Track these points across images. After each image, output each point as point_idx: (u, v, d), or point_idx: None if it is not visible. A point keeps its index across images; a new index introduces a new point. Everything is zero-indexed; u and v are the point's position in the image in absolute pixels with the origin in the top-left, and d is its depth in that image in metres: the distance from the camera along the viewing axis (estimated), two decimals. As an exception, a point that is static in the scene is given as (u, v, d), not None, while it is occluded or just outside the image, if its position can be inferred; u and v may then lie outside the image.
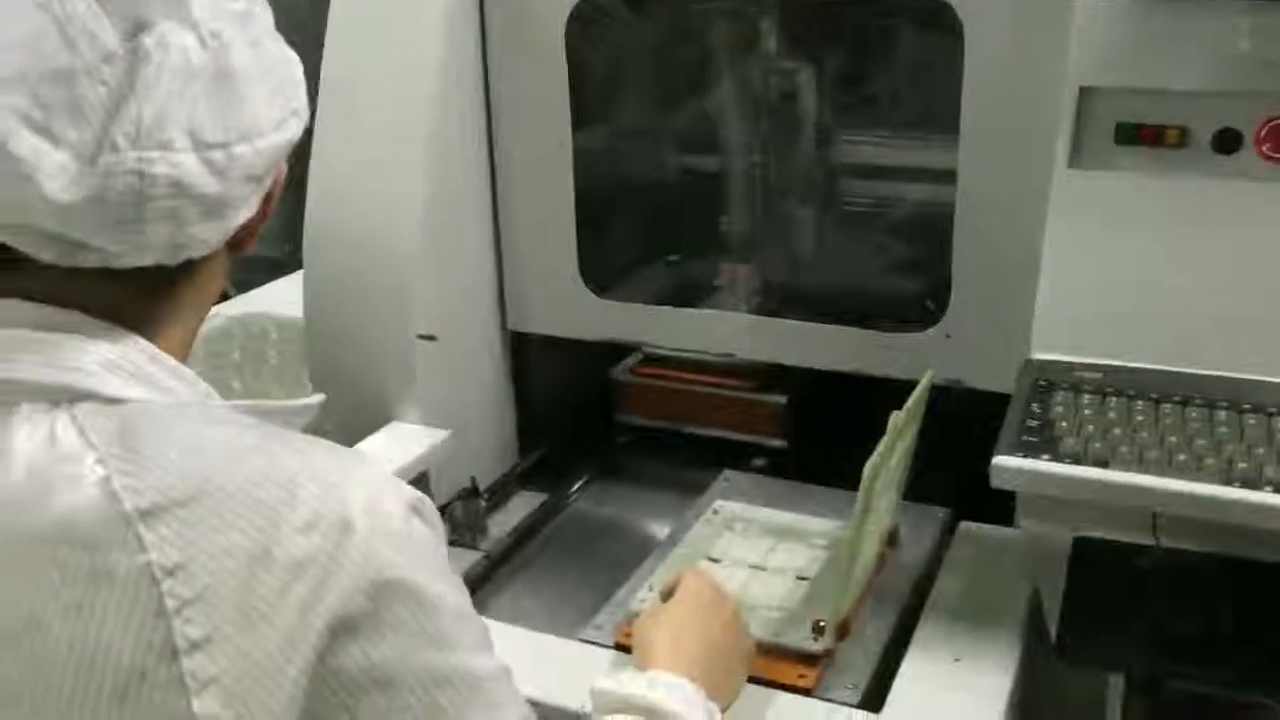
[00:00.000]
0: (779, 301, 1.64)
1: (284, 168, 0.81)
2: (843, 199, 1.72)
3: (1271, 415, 1.05)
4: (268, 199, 0.80)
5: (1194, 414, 1.07)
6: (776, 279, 1.69)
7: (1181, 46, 1.15)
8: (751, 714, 1.04)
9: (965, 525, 1.34)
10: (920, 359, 1.36)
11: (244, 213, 0.76)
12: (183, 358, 0.77)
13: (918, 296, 1.51)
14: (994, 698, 1.04)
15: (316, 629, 0.66)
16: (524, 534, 1.55)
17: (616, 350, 1.73)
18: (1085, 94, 1.19)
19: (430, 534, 0.74)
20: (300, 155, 1.51)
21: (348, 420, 1.50)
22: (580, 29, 1.50)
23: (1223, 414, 1.06)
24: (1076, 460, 1.03)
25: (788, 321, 1.53)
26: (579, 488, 1.66)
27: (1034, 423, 1.08)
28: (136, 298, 0.75)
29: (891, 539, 1.30)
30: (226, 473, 0.68)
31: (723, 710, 0.96)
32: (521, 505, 1.63)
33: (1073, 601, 1.11)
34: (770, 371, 1.61)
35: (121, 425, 0.69)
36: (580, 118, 1.54)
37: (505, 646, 1.19)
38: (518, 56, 1.52)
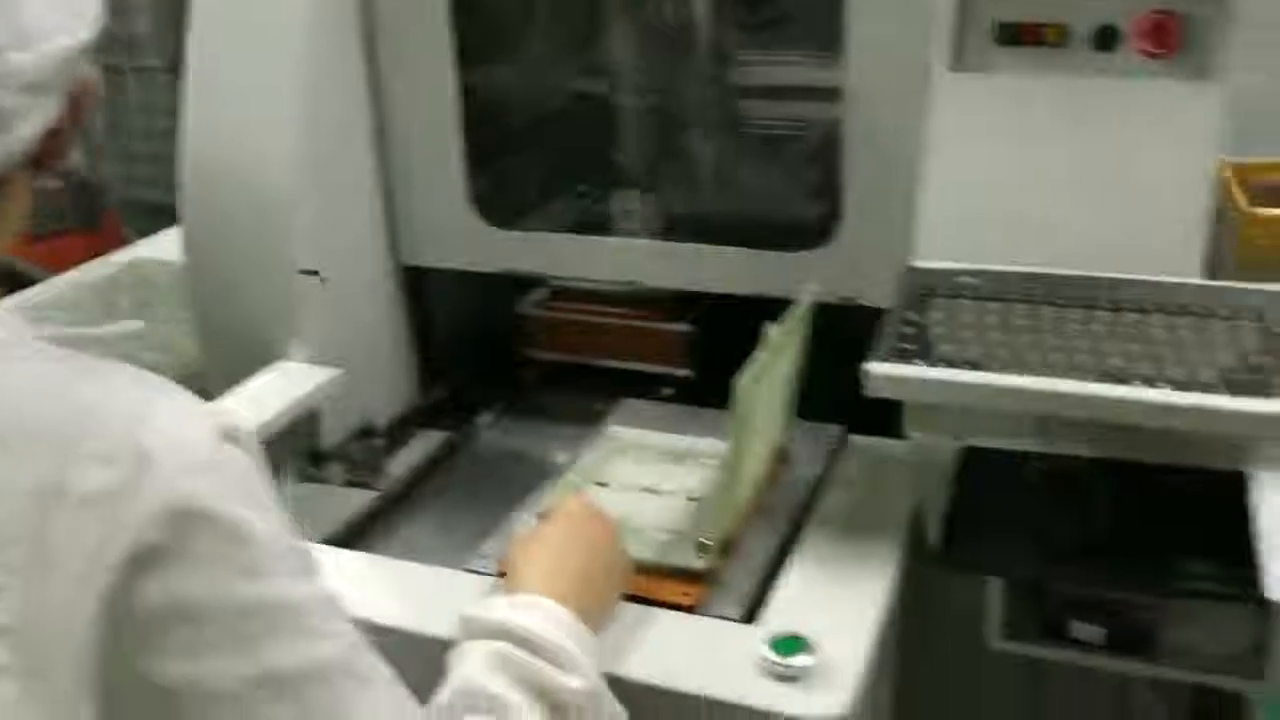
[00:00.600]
0: (678, 226, 1.61)
1: (91, 77, 0.76)
2: (737, 120, 1.68)
3: (1147, 313, 1.04)
4: (76, 109, 0.76)
5: (1073, 315, 1.05)
6: (675, 204, 1.65)
7: (1058, -59, 1.13)
8: (634, 632, 1.02)
9: (854, 439, 1.32)
10: (817, 278, 1.34)
11: (30, 124, 0.71)
12: None
13: (814, 216, 1.48)
14: (869, 604, 1.03)
15: (111, 565, 0.62)
16: (422, 472, 1.51)
17: (525, 284, 1.69)
18: (963, -7, 1.17)
19: (245, 460, 0.70)
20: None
21: (233, 363, 1.46)
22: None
23: (1100, 314, 1.05)
24: (950, 364, 1.02)
25: (686, 246, 1.50)
26: (483, 425, 1.63)
27: (909, 330, 1.06)
28: None
29: (782, 457, 1.28)
30: (20, 409, 0.64)
31: (598, 630, 0.94)
32: (423, 445, 1.60)
33: (955, 508, 1.10)
34: (675, 301, 1.58)
35: None
36: (465, 41, 1.49)
37: (388, 580, 1.17)
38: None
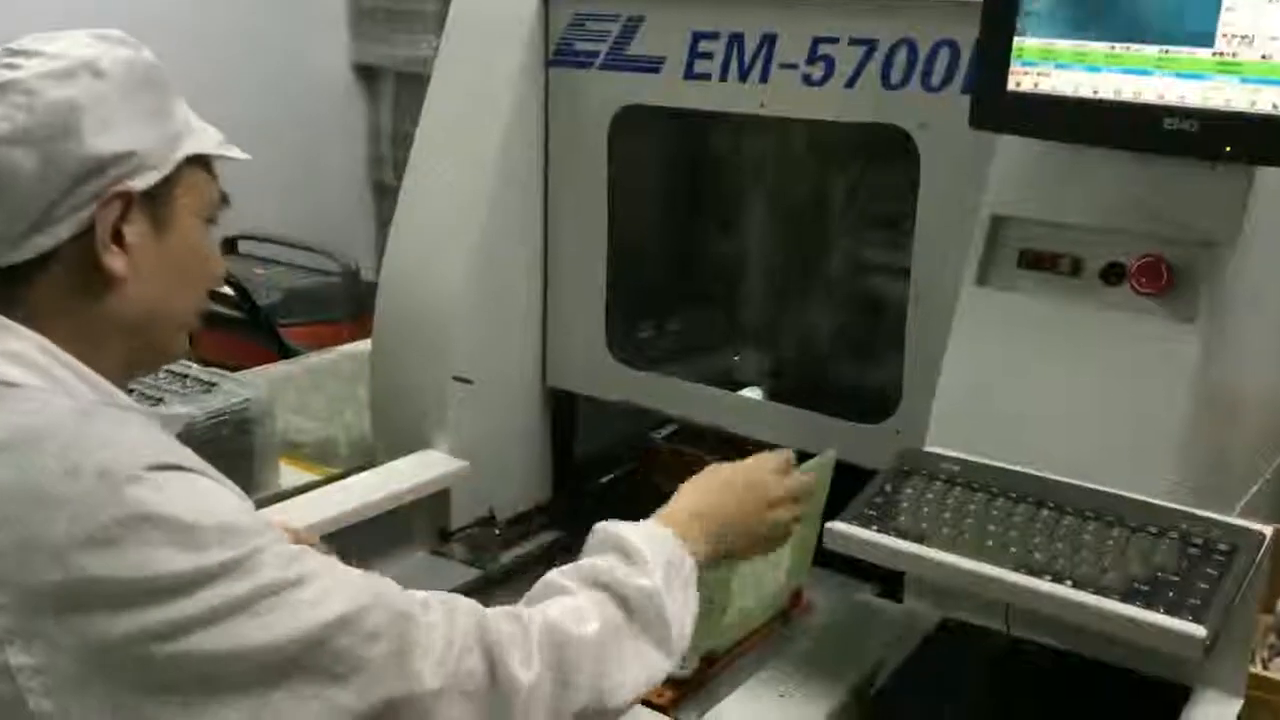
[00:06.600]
0: (774, 386, 1.82)
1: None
2: (839, 296, 1.88)
3: (1086, 519, 1.15)
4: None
5: (1022, 510, 1.18)
6: (775, 366, 1.88)
7: (1080, 186, 1.28)
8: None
9: (861, 597, 1.46)
10: (878, 450, 1.48)
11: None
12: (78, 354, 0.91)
13: (881, 393, 1.63)
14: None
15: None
16: (525, 563, 1.77)
17: (664, 420, 1.93)
18: (996, 221, 1.34)
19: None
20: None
21: (392, 442, 1.80)
22: (622, 128, 1.74)
23: (1045, 512, 1.17)
24: (900, 534, 1.17)
25: (771, 405, 1.71)
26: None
27: (880, 499, 1.22)
28: None
29: (796, 599, 1.44)
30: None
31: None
32: (540, 541, 1.86)
33: (905, 668, 1.23)
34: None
35: None
36: (617, 207, 1.78)
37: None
38: (571, 146, 1.78)
